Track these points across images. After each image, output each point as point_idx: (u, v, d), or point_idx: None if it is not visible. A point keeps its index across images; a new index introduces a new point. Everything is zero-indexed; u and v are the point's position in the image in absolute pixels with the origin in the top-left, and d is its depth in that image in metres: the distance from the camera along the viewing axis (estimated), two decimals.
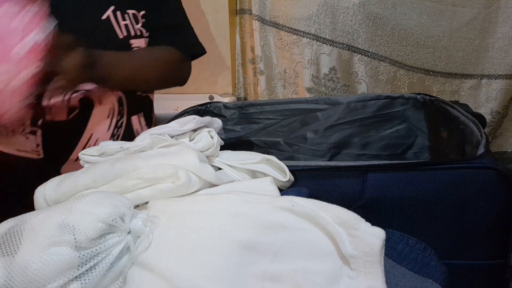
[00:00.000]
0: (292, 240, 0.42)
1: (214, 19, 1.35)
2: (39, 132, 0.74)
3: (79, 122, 0.75)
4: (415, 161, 0.66)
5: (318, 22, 1.23)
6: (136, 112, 0.84)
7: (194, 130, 0.59)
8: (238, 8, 1.36)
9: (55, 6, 0.67)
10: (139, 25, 0.80)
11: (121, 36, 0.77)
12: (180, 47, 0.87)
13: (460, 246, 0.55)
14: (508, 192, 0.53)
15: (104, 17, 0.75)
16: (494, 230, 0.54)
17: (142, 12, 0.81)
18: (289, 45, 1.29)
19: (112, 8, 0.75)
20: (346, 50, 1.25)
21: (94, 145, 0.77)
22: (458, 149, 0.72)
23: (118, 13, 0.76)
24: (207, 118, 0.61)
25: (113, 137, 0.80)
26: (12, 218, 0.43)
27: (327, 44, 1.25)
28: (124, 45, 0.77)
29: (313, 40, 1.26)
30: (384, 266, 0.40)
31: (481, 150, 0.57)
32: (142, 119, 0.87)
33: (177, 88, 1.00)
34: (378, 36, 1.22)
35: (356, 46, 1.24)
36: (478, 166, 0.53)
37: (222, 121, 0.67)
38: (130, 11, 0.79)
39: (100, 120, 0.76)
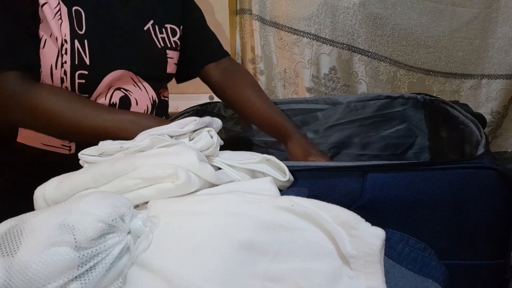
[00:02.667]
0: (292, 240, 0.42)
1: (214, 19, 1.34)
2: None
3: None
4: (415, 161, 0.66)
5: (318, 22, 1.23)
6: (160, 115, 0.87)
7: (194, 130, 0.59)
8: (238, 8, 1.36)
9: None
10: (175, 38, 0.86)
11: (159, 46, 0.82)
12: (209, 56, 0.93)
13: (460, 246, 0.55)
14: (508, 192, 0.53)
15: (145, 28, 0.80)
16: (494, 230, 0.54)
17: (182, 26, 0.87)
18: (289, 45, 1.29)
19: (151, 22, 0.81)
20: (346, 50, 1.25)
21: None
22: (458, 149, 0.72)
23: (156, 27, 0.82)
24: (207, 119, 0.61)
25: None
26: (12, 218, 0.43)
27: (327, 44, 1.25)
28: (161, 54, 0.83)
29: (313, 40, 1.26)
30: (384, 266, 0.40)
31: (481, 150, 0.57)
32: None
33: (177, 88, 1.00)
34: (378, 36, 1.22)
35: (356, 46, 1.24)
36: (478, 166, 0.53)
37: (222, 121, 0.67)
38: (168, 25, 0.84)
39: None
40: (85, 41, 0.69)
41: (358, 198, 0.54)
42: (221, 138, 0.59)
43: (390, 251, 0.44)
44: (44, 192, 0.52)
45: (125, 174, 0.50)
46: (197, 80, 0.95)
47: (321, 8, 1.22)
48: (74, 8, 0.69)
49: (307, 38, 1.26)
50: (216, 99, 0.98)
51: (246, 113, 0.88)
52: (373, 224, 0.42)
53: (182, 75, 0.94)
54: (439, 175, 0.53)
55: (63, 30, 0.68)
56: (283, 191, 0.54)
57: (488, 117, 1.22)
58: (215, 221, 0.44)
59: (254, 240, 0.42)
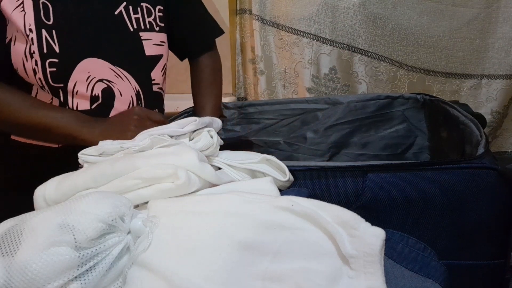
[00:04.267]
0: (292, 240, 0.42)
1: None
2: None
3: (101, 112, 0.77)
4: (415, 161, 0.66)
5: (318, 22, 1.23)
6: (152, 108, 0.86)
7: (194, 130, 0.60)
8: (238, 8, 1.36)
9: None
10: (150, 18, 0.83)
11: (131, 29, 0.80)
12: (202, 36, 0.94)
13: (460, 246, 0.55)
14: (508, 192, 0.53)
15: (117, 12, 0.79)
16: (494, 230, 0.55)
17: (159, 7, 0.84)
18: (289, 45, 1.29)
19: (124, 4, 0.79)
20: (346, 50, 1.25)
21: None
22: (458, 149, 0.72)
23: (130, 7, 0.80)
24: (207, 119, 0.61)
25: None
26: (12, 218, 0.43)
27: (327, 44, 1.25)
28: (133, 38, 0.81)
29: (313, 40, 1.26)
30: (384, 266, 0.40)
31: (481, 150, 0.57)
32: None
33: (178, 88, 1.00)
34: (378, 36, 1.22)
35: (356, 46, 1.24)
36: (478, 166, 0.53)
37: (222, 121, 0.67)
38: (144, 4, 0.82)
39: (121, 111, 0.78)
40: (53, 31, 0.70)
41: (358, 198, 0.54)
42: (221, 138, 0.59)
43: (390, 251, 0.44)
44: (44, 192, 0.52)
45: (125, 174, 0.50)
46: None
47: (321, 8, 1.22)
48: (41, 1, 0.70)
49: (307, 38, 1.26)
50: None
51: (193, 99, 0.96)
52: (373, 224, 0.42)
53: (182, 55, 0.95)
54: (439, 175, 0.53)
55: (27, 20, 0.68)
56: (283, 191, 0.54)
57: (488, 117, 1.22)
58: (215, 221, 0.44)
59: (254, 240, 0.42)
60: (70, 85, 0.73)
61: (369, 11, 1.19)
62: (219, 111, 0.96)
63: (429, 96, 0.90)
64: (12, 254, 0.38)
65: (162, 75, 0.88)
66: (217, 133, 0.60)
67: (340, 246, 0.40)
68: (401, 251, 0.45)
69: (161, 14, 0.85)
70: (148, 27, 0.82)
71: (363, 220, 0.42)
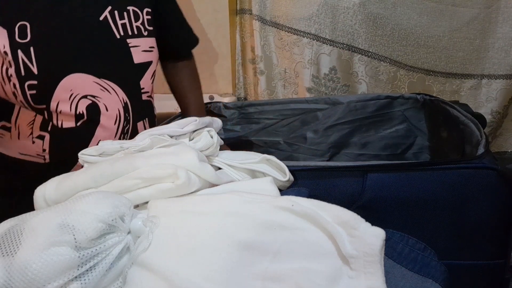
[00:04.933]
0: (292, 240, 0.42)
1: (214, 19, 1.34)
2: (47, 137, 0.73)
3: (87, 129, 0.74)
4: (415, 161, 0.66)
5: (318, 22, 1.23)
6: (142, 117, 0.83)
7: (194, 130, 0.59)
8: (238, 8, 1.36)
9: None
10: (138, 23, 0.79)
11: (118, 36, 0.76)
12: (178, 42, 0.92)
13: (460, 246, 0.55)
14: (508, 192, 0.53)
15: (102, 17, 0.74)
16: (494, 230, 0.55)
17: (146, 9, 0.81)
18: (289, 45, 1.29)
19: (109, 8, 0.75)
20: (346, 50, 1.25)
21: None
22: (458, 149, 0.72)
23: (116, 12, 0.76)
24: (207, 119, 0.61)
25: None
26: (12, 218, 0.43)
27: (327, 44, 1.25)
28: (120, 45, 0.77)
29: (313, 40, 1.25)
30: (384, 266, 0.40)
31: (481, 150, 0.57)
32: (147, 125, 0.86)
33: None
34: (378, 36, 1.22)
35: (356, 46, 1.24)
36: (478, 166, 0.53)
37: (222, 121, 0.67)
38: (130, 8, 0.78)
39: (108, 127, 0.76)
40: (31, 49, 0.66)
41: (358, 198, 0.54)
42: (221, 138, 0.59)
43: (390, 251, 0.44)
44: (44, 192, 0.52)
45: (125, 174, 0.50)
46: None
47: (321, 8, 1.22)
48: (18, 24, 0.65)
49: (307, 38, 1.26)
50: (216, 99, 0.98)
51: (179, 105, 0.97)
52: (373, 224, 0.42)
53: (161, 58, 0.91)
54: (439, 175, 0.53)
55: (0, 42, 0.64)
56: (283, 191, 0.54)
57: (488, 117, 1.22)
58: (215, 221, 0.44)
59: (254, 240, 0.42)
60: (52, 105, 0.70)
61: (369, 11, 1.19)
62: (204, 112, 0.97)
63: (429, 96, 0.90)
64: (12, 254, 0.38)
65: (152, 82, 0.84)
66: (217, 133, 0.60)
67: (340, 246, 0.40)
68: (401, 251, 0.45)
69: (149, 17, 0.81)
70: (136, 32, 0.78)
71: (363, 220, 0.42)
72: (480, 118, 0.71)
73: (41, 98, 0.69)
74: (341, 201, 0.49)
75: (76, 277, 0.38)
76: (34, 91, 0.67)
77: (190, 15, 0.96)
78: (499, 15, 1.16)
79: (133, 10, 0.78)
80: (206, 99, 1.18)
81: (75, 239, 0.38)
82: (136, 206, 0.50)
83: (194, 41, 0.96)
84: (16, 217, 0.43)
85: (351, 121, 0.95)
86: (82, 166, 0.75)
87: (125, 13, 0.76)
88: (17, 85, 0.66)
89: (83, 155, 0.56)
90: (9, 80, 0.66)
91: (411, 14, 1.18)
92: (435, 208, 0.53)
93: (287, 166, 0.55)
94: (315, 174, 0.56)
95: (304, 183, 0.56)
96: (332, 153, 0.96)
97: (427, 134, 0.93)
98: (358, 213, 0.42)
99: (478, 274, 0.56)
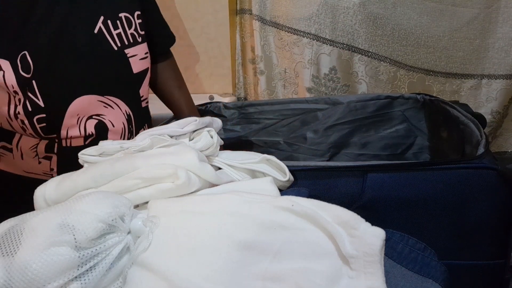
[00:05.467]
0: (292, 240, 0.42)
1: (214, 19, 1.34)
2: (54, 158, 0.73)
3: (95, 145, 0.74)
4: (415, 161, 0.66)
5: (318, 22, 1.23)
6: (143, 124, 0.83)
7: (194, 130, 0.59)
8: (238, 8, 1.36)
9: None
10: (132, 29, 0.77)
11: (115, 48, 0.74)
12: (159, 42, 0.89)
13: (460, 246, 0.55)
14: (508, 192, 0.53)
15: (96, 30, 0.72)
16: (494, 230, 0.55)
17: (137, 13, 0.78)
18: (289, 45, 1.29)
19: (102, 18, 0.72)
20: (346, 50, 1.25)
21: None
22: (458, 149, 0.72)
23: (109, 22, 0.73)
24: (207, 119, 0.61)
25: None
26: (12, 218, 0.43)
27: (327, 44, 1.25)
28: (119, 57, 0.75)
29: (313, 40, 1.25)
30: (384, 266, 0.40)
31: (481, 150, 0.57)
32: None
33: None
34: (378, 36, 1.22)
35: (356, 46, 1.24)
36: (478, 166, 0.53)
37: (222, 121, 0.67)
38: (122, 15, 0.75)
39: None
40: (33, 83, 0.64)
41: (358, 198, 0.54)
42: (221, 138, 0.59)
43: (390, 251, 0.44)
44: (44, 192, 0.52)
45: (125, 174, 0.50)
46: (197, 80, 0.95)
47: (321, 8, 1.22)
48: (21, 54, 0.63)
49: (307, 38, 1.26)
50: (216, 99, 0.98)
51: (168, 105, 0.94)
52: (373, 224, 0.42)
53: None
54: (439, 175, 0.53)
55: (8, 81, 0.62)
56: (283, 191, 0.54)
57: (488, 117, 1.22)
58: (215, 221, 0.44)
59: (254, 240, 0.42)
60: (63, 133, 0.70)
61: (369, 11, 1.19)
62: (195, 108, 0.95)
63: (429, 96, 0.90)
64: (12, 254, 0.38)
65: (148, 88, 0.84)
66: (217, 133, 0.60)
67: (340, 246, 0.40)
68: (401, 251, 0.45)
69: (140, 20, 0.78)
70: (131, 41, 0.76)
71: (363, 220, 0.42)
72: (480, 118, 0.71)
73: (52, 129, 0.68)
74: (341, 201, 0.49)
75: (76, 277, 0.38)
76: (44, 124, 0.66)
77: (190, 15, 0.96)
78: (499, 15, 1.16)
79: (125, 16, 0.76)
80: (206, 99, 1.19)
81: (75, 239, 0.38)
82: (136, 206, 0.50)
83: (173, 38, 0.94)
84: (16, 217, 0.43)
85: (351, 121, 0.95)
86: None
87: (118, 22, 0.74)
88: (26, 121, 0.65)
89: (83, 155, 0.56)
90: (16, 118, 0.65)
91: (411, 14, 1.18)
92: (435, 208, 0.53)
93: (287, 166, 0.55)
94: (315, 174, 0.56)
95: (304, 183, 0.56)
96: (332, 153, 0.96)
97: (427, 134, 0.93)
98: (358, 213, 0.42)
99: (478, 274, 0.56)
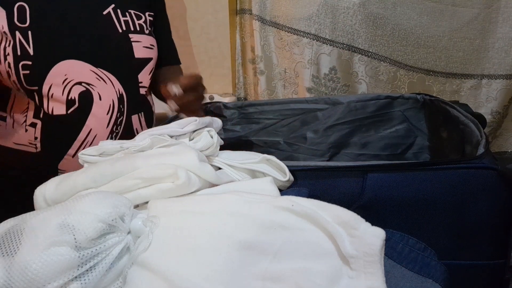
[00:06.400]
0: (292, 240, 0.42)
1: (214, 19, 1.34)
2: (38, 125, 0.75)
3: (78, 117, 0.75)
4: (415, 161, 0.66)
5: (318, 22, 1.23)
6: (137, 111, 0.84)
7: (194, 130, 0.59)
8: (238, 8, 1.36)
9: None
10: (141, 21, 0.81)
11: (120, 31, 0.78)
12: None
13: (460, 246, 0.55)
14: (508, 192, 0.53)
15: (105, 12, 0.77)
16: (494, 230, 0.54)
17: (148, 13, 0.83)
18: (289, 45, 1.29)
19: (112, 6, 0.78)
20: (346, 50, 1.25)
21: (93, 141, 0.78)
22: (458, 149, 0.72)
23: (119, 10, 0.78)
24: (207, 119, 0.61)
25: (112, 134, 0.80)
26: (12, 218, 0.43)
27: (327, 44, 1.25)
28: (122, 39, 0.79)
29: (313, 40, 1.25)
30: (384, 266, 0.40)
31: (481, 150, 0.57)
32: (143, 119, 0.87)
33: None
34: (378, 36, 1.22)
35: (356, 46, 1.24)
36: (478, 166, 0.53)
37: (222, 121, 0.67)
38: (132, 11, 0.81)
39: (100, 116, 0.76)
40: (29, 32, 0.69)
41: (358, 198, 0.54)
42: (221, 138, 0.59)
43: (390, 251, 0.44)
44: (44, 192, 0.52)
45: (125, 174, 0.50)
46: None
47: (321, 8, 1.22)
48: (17, 4, 0.69)
49: (307, 38, 1.26)
50: (216, 99, 0.98)
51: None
52: (373, 224, 0.42)
53: None
54: (439, 175, 0.53)
55: (0, 22, 0.68)
56: (283, 191, 0.54)
57: (488, 117, 1.22)
58: (215, 221, 0.44)
59: (254, 240, 0.42)
60: (45, 88, 0.71)
61: (369, 11, 1.19)
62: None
63: (429, 96, 0.90)
64: (12, 254, 0.38)
65: (150, 78, 0.86)
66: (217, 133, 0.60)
67: (340, 246, 0.40)
68: (401, 251, 0.45)
69: (151, 18, 0.84)
70: (138, 29, 0.81)
71: (363, 220, 0.42)
72: (480, 118, 0.71)
73: (34, 79, 0.70)
74: (341, 201, 0.49)
75: (76, 277, 0.38)
76: (27, 71, 0.69)
77: (190, 15, 0.96)
78: (499, 15, 1.16)
79: (134, 12, 0.81)
80: (206, 99, 1.18)
81: (75, 239, 0.38)
82: (136, 206, 0.50)
83: (177, 62, 0.97)
84: (16, 217, 0.43)
85: (351, 121, 0.95)
86: (73, 156, 0.76)
87: (127, 13, 0.80)
88: (12, 65, 0.69)
89: (83, 155, 0.56)
90: (5, 59, 0.69)
91: (411, 14, 1.18)
92: (435, 208, 0.53)
93: (287, 166, 0.55)
94: (315, 174, 0.56)
95: (304, 183, 0.56)
96: (332, 153, 0.96)
97: (427, 134, 0.93)
98: (358, 213, 0.42)
99: (478, 274, 0.56)
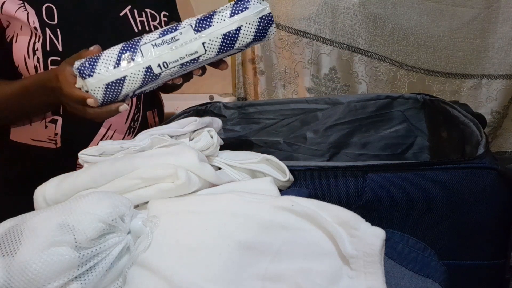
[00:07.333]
0: (292, 240, 0.42)
1: None
2: (59, 121, 0.76)
3: None
4: (415, 161, 0.66)
5: (318, 22, 1.23)
6: (151, 107, 0.87)
7: (194, 130, 0.59)
8: None
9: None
10: (155, 22, 0.84)
11: (136, 30, 0.81)
12: None
13: (460, 246, 0.55)
14: (508, 192, 0.53)
15: (122, 13, 0.80)
16: (494, 230, 0.54)
17: (164, 13, 0.86)
18: (289, 45, 1.29)
19: (129, 7, 0.81)
20: (346, 50, 1.25)
21: (112, 136, 0.80)
22: (458, 149, 0.72)
23: (135, 11, 0.81)
24: (207, 119, 0.61)
25: (130, 129, 0.83)
26: (12, 218, 0.43)
27: (327, 44, 1.25)
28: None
29: (313, 40, 1.25)
30: (384, 266, 0.40)
31: (481, 150, 0.57)
32: (156, 115, 0.90)
33: None
34: (378, 36, 1.22)
35: (356, 46, 1.24)
36: (478, 166, 0.53)
37: (222, 121, 0.67)
38: (148, 10, 0.83)
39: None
40: (57, 30, 0.71)
41: (358, 198, 0.54)
42: (221, 138, 0.59)
43: (390, 251, 0.44)
44: (44, 192, 0.52)
45: (125, 174, 0.50)
46: (197, 80, 0.94)
47: (321, 8, 1.22)
48: (45, 5, 0.71)
49: (307, 38, 1.26)
50: (216, 99, 0.98)
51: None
52: (373, 224, 0.42)
53: None
54: (439, 175, 0.53)
55: (31, 18, 0.70)
56: (283, 191, 0.54)
57: (488, 117, 1.22)
58: (215, 221, 0.44)
59: (254, 240, 0.42)
60: None
61: (369, 11, 1.19)
62: None
63: (429, 96, 0.90)
64: (12, 254, 0.38)
65: None
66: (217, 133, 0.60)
67: (340, 246, 0.40)
68: (401, 251, 0.45)
69: (166, 19, 0.86)
70: (153, 30, 0.82)
71: (363, 220, 0.42)
72: (480, 118, 0.71)
73: None
74: (341, 201, 0.49)
75: (76, 277, 0.38)
76: (56, 67, 0.70)
77: (190, 15, 0.96)
78: (499, 15, 1.16)
79: (150, 12, 0.84)
80: (206, 99, 1.18)
81: (75, 239, 0.38)
82: (136, 206, 0.50)
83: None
84: (16, 217, 0.43)
85: (351, 121, 0.95)
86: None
87: (143, 13, 0.83)
88: (41, 59, 0.71)
89: (83, 155, 0.56)
90: (34, 54, 0.71)
91: (411, 14, 1.18)
92: (435, 208, 0.53)
93: (287, 166, 0.55)
94: (315, 174, 0.56)
95: (304, 183, 0.56)
96: (332, 153, 0.96)
97: (427, 134, 0.93)
98: (358, 213, 0.42)
99: (478, 274, 0.56)
